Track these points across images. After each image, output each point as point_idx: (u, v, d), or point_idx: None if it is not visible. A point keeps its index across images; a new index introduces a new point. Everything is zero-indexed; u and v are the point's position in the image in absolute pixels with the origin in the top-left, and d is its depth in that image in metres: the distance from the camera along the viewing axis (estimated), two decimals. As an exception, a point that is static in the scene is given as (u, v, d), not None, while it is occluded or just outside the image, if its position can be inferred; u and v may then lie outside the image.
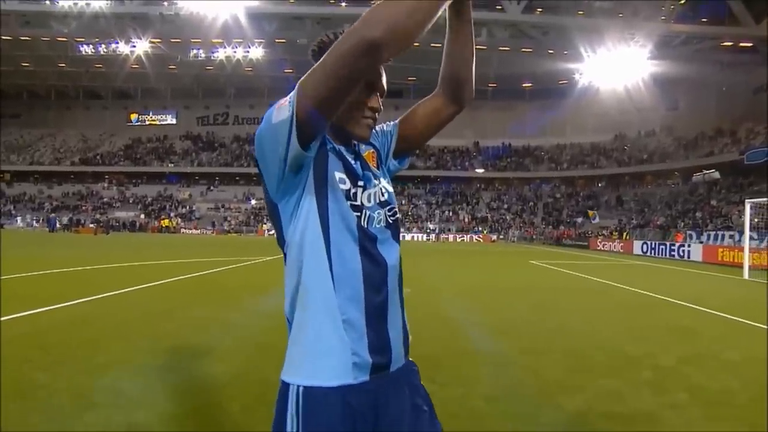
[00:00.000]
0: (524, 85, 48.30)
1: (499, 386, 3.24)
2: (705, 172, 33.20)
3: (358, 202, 0.99)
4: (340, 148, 1.03)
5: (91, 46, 39.46)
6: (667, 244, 20.92)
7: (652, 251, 21.60)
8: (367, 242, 0.98)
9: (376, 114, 1.06)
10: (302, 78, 0.89)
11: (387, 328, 0.99)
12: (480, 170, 47.23)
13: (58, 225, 36.28)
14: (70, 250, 16.07)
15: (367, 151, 1.12)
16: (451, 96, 1.16)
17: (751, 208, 11.47)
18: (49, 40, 38.83)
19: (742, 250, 13.73)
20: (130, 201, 46.22)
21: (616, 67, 35.72)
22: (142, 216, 43.21)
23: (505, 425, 2.62)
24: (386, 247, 1.01)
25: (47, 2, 33.19)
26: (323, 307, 0.94)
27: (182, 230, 40.14)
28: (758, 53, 34.69)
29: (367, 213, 1.00)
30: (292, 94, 0.89)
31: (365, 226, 0.99)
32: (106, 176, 49.44)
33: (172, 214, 43.43)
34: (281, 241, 1.01)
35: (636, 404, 2.98)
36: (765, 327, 5.42)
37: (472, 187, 47.75)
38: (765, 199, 12.21)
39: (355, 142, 1.09)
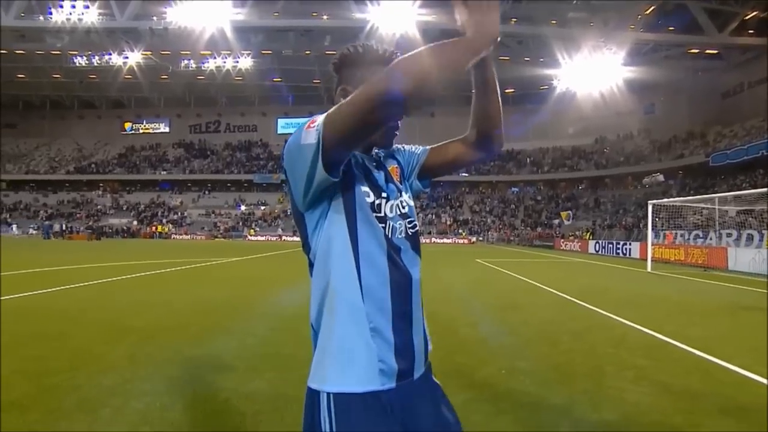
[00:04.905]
0: (507, 90, 49.67)
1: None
2: (652, 175, 34.54)
3: (382, 213, 1.02)
4: (363, 158, 1.06)
5: (84, 58, 40.97)
6: (614, 243, 22.16)
7: (603, 250, 22.74)
8: (393, 252, 1.01)
9: (398, 122, 1.08)
10: (330, 111, 0.90)
11: (412, 335, 1.01)
12: (465, 174, 48.54)
13: (52, 232, 37.62)
14: (61, 255, 17.36)
15: (391, 166, 1.15)
16: (480, 145, 1.20)
17: (653, 208, 12.82)
18: (44, 53, 40.33)
19: (669, 247, 15.05)
20: (124, 208, 47.56)
21: (593, 73, 36.83)
22: (135, 222, 44.56)
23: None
24: (409, 257, 1.05)
25: (41, 18, 34.74)
26: (351, 316, 0.95)
27: (173, 236, 41.44)
28: (724, 60, 36.31)
29: (391, 224, 1.03)
30: (319, 120, 0.90)
31: (390, 236, 1.02)
32: (101, 184, 50.78)
33: (164, 221, 44.76)
34: (306, 248, 1.03)
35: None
36: (578, 301, 6.68)
37: (456, 190, 49.05)
38: (666, 200, 13.53)
39: (379, 153, 1.14)
